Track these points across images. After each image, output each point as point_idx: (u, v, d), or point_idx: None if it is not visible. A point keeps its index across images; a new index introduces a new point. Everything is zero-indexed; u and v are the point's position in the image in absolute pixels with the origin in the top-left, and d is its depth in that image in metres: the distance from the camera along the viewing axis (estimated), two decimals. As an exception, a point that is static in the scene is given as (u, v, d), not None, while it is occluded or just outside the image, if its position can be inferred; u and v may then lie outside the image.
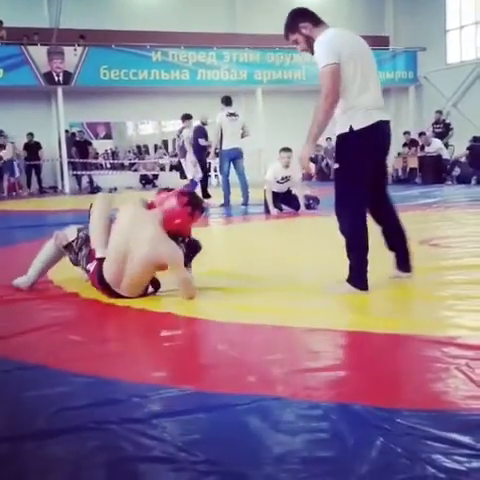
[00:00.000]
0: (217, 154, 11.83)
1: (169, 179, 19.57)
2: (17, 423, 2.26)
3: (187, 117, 12.16)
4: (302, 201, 9.62)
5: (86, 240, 4.17)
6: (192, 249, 4.12)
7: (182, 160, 12.17)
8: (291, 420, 2.17)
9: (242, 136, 11.42)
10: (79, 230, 4.27)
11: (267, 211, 9.56)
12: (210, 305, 3.86)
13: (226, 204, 11.20)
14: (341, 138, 3.93)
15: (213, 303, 3.92)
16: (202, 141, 12.58)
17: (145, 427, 2.12)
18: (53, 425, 2.18)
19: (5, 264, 5.83)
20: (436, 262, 5.08)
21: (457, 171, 15.78)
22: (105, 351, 3.17)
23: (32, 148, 18.50)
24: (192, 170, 12.08)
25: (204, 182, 12.82)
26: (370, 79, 3.94)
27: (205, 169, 12.88)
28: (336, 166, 3.99)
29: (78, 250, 4.19)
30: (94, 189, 17.88)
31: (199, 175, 12.23)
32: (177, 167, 17.83)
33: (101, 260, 3.96)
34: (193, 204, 4.08)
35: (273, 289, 4.30)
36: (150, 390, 2.49)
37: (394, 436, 1.99)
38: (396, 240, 4.26)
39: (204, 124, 13.07)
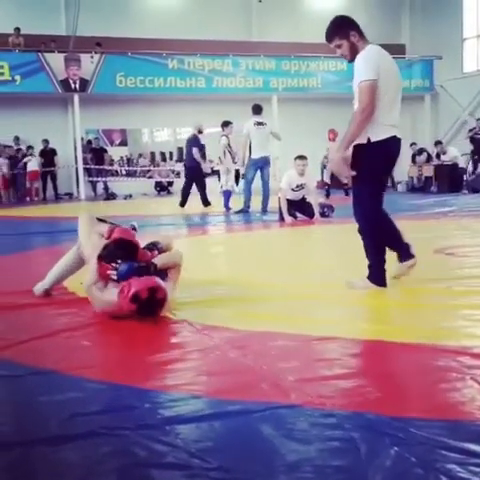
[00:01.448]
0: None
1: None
2: (30, 428, 2.27)
3: (226, 124, 12.18)
4: (317, 209, 9.61)
5: None
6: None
7: (220, 167, 12.27)
8: (305, 428, 2.16)
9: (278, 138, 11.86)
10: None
11: (282, 219, 9.55)
12: (225, 313, 3.86)
13: (245, 210, 11.21)
14: (359, 148, 4.20)
15: (228, 311, 3.92)
16: (195, 151, 12.74)
17: (158, 433, 2.12)
18: (66, 430, 2.19)
19: (20, 270, 5.87)
20: (452, 271, 5.05)
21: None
22: (118, 357, 3.18)
23: (48, 154, 18.60)
24: (226, 177, 12.16)
25: (187, 191, 13.12)
26: (396, 98, 4.25)
27: (201, 177, 13.12)
28: (353, 173, 4.24)
29: None
30: (109, 195, 17.96)
31: (230, 183, 12.29)
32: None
33: None
34: None
35: (287, 297, 4.30)
36: (163, 396, 2.50)
37: (408, 445, 1.98)
38: (395, 236, 4.41)
39: (200, 132, 13.27)
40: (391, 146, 4.24)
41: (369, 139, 4.15)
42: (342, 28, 4.25)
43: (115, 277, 3.71)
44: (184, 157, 13.45)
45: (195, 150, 12.78)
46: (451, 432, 2.07)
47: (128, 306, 3.54)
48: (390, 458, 1.90)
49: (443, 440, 2.01)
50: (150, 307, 3.53)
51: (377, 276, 4.29)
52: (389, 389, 2.52)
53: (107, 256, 3.77)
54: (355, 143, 4.19)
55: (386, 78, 4.13)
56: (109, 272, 3.73)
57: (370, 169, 4.20)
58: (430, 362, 2.83)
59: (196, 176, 13.04)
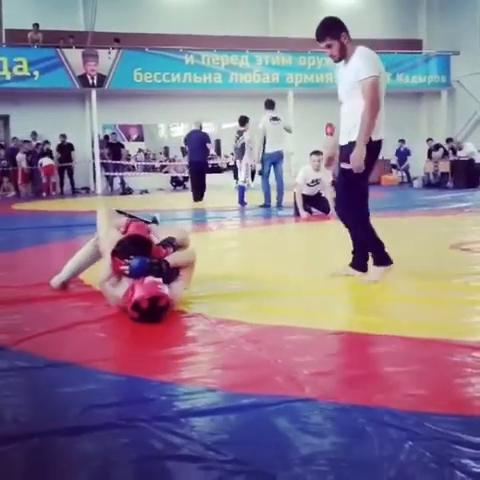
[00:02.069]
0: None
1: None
2: (47, 419, 2.29)
3: (246, 120, 12.33)
4: (332, 204, 9.59)
5: None
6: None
7: (237, 162, 12.36)
8: (319, 422, 2.17)
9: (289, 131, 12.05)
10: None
11: (297, 214, 9.55)
12: (239, 306, 3.87)
13: (267, 205, 11.29)
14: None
15: (242, 305, 3.93)
16: (210, 146, 13.16)
17: (174, 425, 2.14)
18: (83, 422, 2.21)
19: (37, 263, 5.91)
20: (468, 267, 5.03)
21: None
22: (133, 350, 3.20)
23: (65, 150, 18.65)
24: (244, 173, 12.24)
25: (197, 184, 13.58)
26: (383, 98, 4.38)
27: (205, 173, 13.79)
28: (348, 166, 4.31)
29: None
30: (126, 190, 18.01)
31: (245, 178, 12.36)
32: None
33: None
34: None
35: (302, 291, 4.31)
36: (178, 389, 2.51)
37: (423, 440, 1.98)
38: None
39: (200, 128, 13.81)
40: (381, 145, 4.41)
41: (370, 138, 4.25)
42: (334, 29, 4.33)
43: (128, 272, 3.73)
44: (189, 152, 13.76)
45: (210, 146, 13.06)
46: (466, 427, 2.07)
47: (130, 313, 3.56)
48: (405, 452, 1.90)
49: (458, 435, 2.01)
50: (152, 315, 3.53)
51: (382, 257, 4.42)
52: (404, 384, 2.52)
53: (121, 252, 3.79)
54: (353, 140, 4.28)
55: (382, 78, 4.29)
56: (122, 267, 3.75)
57: (367, 166, 4.29)
58: (446, 357, 2.83)
59: (204, 171, 13.64)
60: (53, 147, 18.55)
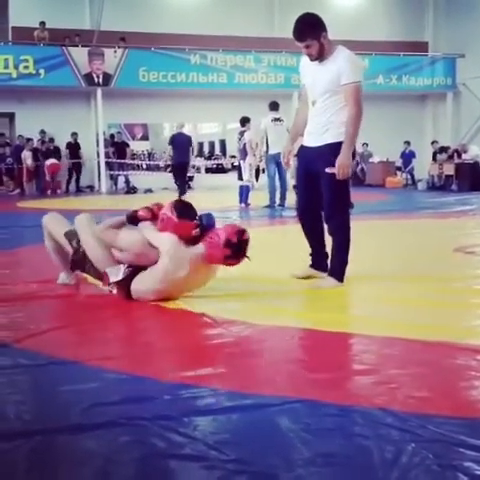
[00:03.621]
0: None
1: (205, 181, 19.69)
2: (50, 417, 2.30)
3: (247, 120, 12.40)
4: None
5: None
6: None
7: (241, 162, 12.40)
8: (321, 423, 2.16)
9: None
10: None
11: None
12: (243, 307, 3.88)
13: (272, 206, 11.35)
14: (340, 146, 4.18)
15: (245, 305, 3.93)
16: (192, 148, 14.20)
17: (176, 425, 2.14)
18: (85, 420, 2.21)
19: (41, 261, 5.91)
20: (471, 270, 5.03)
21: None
22: (138, 349, 3.20)
23: (73, 148, 18.68)
24: (248, 173, 12.27)
25: (183, 186, 14.26)
26: None
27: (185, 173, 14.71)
28: (334, 171, 4.18)
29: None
30: (130, 189, 18.02)
31: (247, 178, 12.39)
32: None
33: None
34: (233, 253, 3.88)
35: (304, 292, 4.30)
36: (182, 388, 2.51)
37: (425, 442, 1.98)
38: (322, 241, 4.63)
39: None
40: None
41: None
42: (316, 29, 4.18)
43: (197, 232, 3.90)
44: (174, 153, 14.15)
45: (192, 147, 14.54)
46: (469, 430, 2.07)
47: (222, 252, 3.79)
48: (407, 454, 1.90)
49: (461, 438, 2.01)
50: (240, 249, 3.82)
51: (342, 270, 4.37)
52: (407, 386, 2.51)
53: (184, 212, 4.03)
54: (336, 141, 4.18)
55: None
56: (194, 232, 3.90)
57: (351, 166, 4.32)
58: (449, 360, 2.83)
59: (186, 170, 14.55)
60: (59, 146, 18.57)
